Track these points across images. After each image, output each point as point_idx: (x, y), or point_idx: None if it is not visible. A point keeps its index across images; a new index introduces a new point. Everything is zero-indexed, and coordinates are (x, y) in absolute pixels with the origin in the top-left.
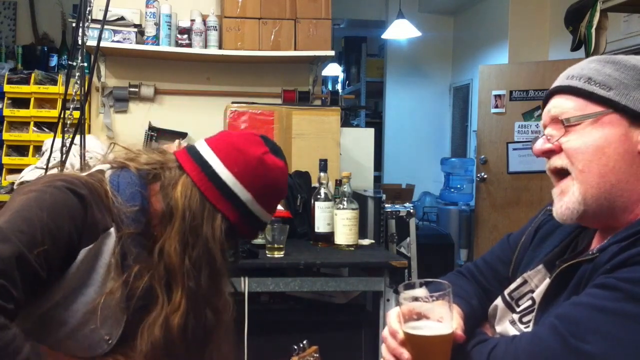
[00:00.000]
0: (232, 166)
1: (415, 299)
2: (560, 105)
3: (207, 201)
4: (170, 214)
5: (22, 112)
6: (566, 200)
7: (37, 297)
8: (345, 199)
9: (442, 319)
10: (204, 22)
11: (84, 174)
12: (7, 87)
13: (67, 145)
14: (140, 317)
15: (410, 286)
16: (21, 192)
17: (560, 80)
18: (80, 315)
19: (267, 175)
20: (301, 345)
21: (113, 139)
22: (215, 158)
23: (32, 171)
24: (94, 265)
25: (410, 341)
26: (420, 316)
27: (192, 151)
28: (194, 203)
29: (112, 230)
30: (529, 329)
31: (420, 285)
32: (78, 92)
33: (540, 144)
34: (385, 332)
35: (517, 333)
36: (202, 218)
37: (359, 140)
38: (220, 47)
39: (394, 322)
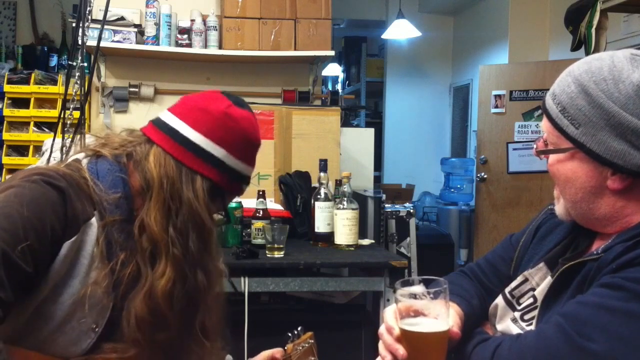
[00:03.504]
0: (199, 126)
1: (412, 295)
2: (545, 122)
3: (182, 165)
4: (148, 185)
5: (22, 112)
6: (558, 207)
7: (27, 296)
8: (345, 199)
9: (439, 316)
10: (204, 22)
11: (61, 165)
12: (7, 87)
13: (67, 145)
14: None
15: (407, 283)
16: None
17: (550, 92)
18: (67, 307)
19: (236, 127)
20: (296, 332)
21: None
22: (181, 123)
23: None
24: (78, 256)
25: (406, 337)
26: (416, 313)
27: (157, 122)
28: (170, 170)
29: (94, 220)
30: (531, 327)
31: (417, 283)
32: (78, 92)
33: (535, 148)
34: (381, 329)
35: (519, 331)
36: (181, 182)
37: (359, 140)
38: (220, 47)
39: (390, 318)
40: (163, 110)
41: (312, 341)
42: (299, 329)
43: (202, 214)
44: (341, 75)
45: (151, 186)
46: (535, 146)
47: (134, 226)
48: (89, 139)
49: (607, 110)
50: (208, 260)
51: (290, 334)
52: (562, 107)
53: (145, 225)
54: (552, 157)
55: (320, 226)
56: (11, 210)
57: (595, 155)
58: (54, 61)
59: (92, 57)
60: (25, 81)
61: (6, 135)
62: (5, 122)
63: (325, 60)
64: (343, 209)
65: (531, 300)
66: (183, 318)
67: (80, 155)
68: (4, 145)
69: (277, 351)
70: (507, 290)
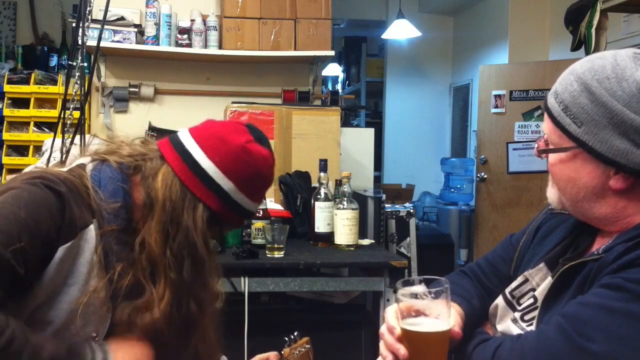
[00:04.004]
0: (213, 155)
1: (414, 295)
2: (546, 122)
3: (187, 191)
4: (151, 204)
5: (22, 112)
6: (551, 192)
7: (22, 298)
8: (345, 199)
9: (440, 315)
10: (204, 22)
11: (64, 168)
12: (7, 87)
13: (67, 145)
14: (127, 312)
15: (408, 283)
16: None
17: (552, 91)
18: (65, 314)
19: (250, 163)
20: (292, 337)
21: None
22: (196, 147)
23: None
24: (75, 263)
25: (407, 337)
26: (418, 313)
27: (174, 141)
28: (175, 193)
29: (92, 227)
30: (532, 327)
31: (418, 282)
32: (78, 92)
33: (536, 147)
34: (382, 329)
35: (520, 331)
36: (183, 208)
37: (359, 140)
38: (220, 47)
39: (392, 318)
40: (183, 129)
41: (309, 346)
42: (295, 333)
43: (198, 243)
44: (341, 75)
45: (154, 205)
46: (536, 145)
47: (135, 242)
48: (100, 144)
49: (610, 108)
50: (200, 289)
51: (286, 339)
52: (564, 106)
53: (145, 244)
54: (554, 157)
55: (320, 226)
56: (7, 212)
57: (597, 154)
58: (54, 61)
59: (92, 57)
60: (25, 81)
61: (6, 135)
62: (5, 122)
63: (325, 60)
64: (343, 209)
65: (531, 300)
66: (176, 343)
67: (86, 160)
68: (4, 145)
69: (272, 355)
70: (507, 290)
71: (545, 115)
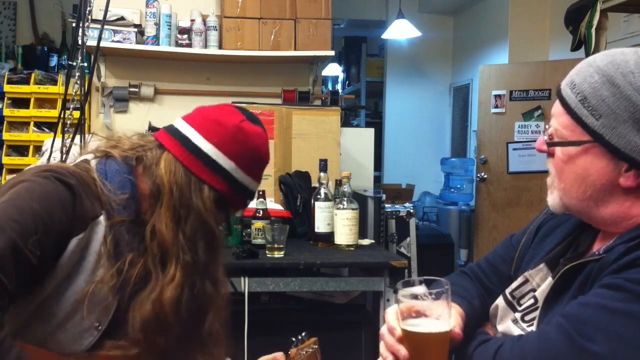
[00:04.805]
0: (211, 137)
1: (414, 296)
2: (558, 113)
3: (191, 174)
4: (158, 191)
5: (22, 112)
6: (551, 197)
7: (32, 290)
8: (345, 199)
9: (440, 316)
10: (204, 22)
11: (70, 164)
12: (7, 87)
13: (67, 145)
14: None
15: (409, 283)
16: (10, 183)
17: (567, 82)
18: (70, 304)
19: (247, 141)
20: (300, 338)
21: None
22: (193, 132)
23: None
24: (84, 254)
25: (407, 338)
26: (418, 314)
27: (170, 129)
28: (179, 177)
29: (102, 218)
30: (532, 328)
31: (419, 283)
32: (78, 92)
33: (540, 142)
34: (383, 329)
35: (520, 332)
36: (190, 191)
37: (359, 140)
38: (220, 47)
39: (392, 319)
40: (177, 118)
41: (317, 347)
42: (303, 334)
43: (211, 222)
44: (341, 75)
45: (162, 192)
46: (544, 138)
47: (146, 231)
48: (99, 140)
49: (634, 102)
50: (216, 268)
51: (294, 339)
52: (582, 97)
53: (156, 231)
54: (563, 153)
55: (320, 226)
56: (22, 204)
57: (613, 149)
58: (54, 61)
59: (92, 57)
60: (25, 81)
61: (6, 135)
62: (5, 122)
63: (325, 60)
64: (343, 209)
65: (532, 301)
66: (188, 324)
67: (90, 156)
68: (4, 145)
69: (279, 355)
70: (507, 291)
71: (558, 108)
